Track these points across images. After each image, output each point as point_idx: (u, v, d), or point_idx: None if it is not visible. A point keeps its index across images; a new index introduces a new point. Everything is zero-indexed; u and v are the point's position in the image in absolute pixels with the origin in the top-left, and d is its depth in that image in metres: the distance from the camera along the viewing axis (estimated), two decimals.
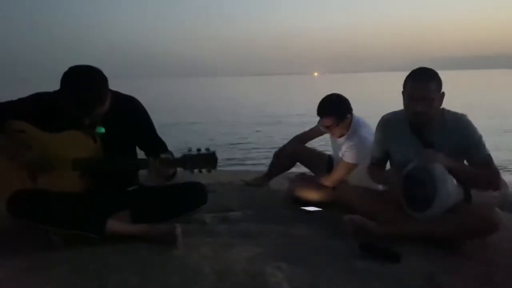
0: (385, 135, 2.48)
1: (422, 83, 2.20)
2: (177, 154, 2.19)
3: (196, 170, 2.08)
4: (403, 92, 2.29)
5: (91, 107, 2.07)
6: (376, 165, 2.56)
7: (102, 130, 2.21)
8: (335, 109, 2.93)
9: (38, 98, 2.25)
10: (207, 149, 2.07)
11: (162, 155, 2.12)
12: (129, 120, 2.33)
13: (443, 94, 2.25)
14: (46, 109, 2.19)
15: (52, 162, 2.14)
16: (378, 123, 2.54)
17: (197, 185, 2.50)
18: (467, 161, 2.27)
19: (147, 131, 2.43)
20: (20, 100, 2.24)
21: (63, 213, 2.08)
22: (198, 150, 2.06)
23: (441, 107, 2.29)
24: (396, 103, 2.51)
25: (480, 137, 2.24)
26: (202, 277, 1.84)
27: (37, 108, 2.20)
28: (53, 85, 2.22)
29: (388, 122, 2.48)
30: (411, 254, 2.05)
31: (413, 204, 2.25)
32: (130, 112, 2.36)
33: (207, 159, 2.06)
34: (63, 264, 1.94)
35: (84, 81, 2.06)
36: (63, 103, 2.08)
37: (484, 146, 2.24)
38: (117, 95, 2.29)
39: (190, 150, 2.06)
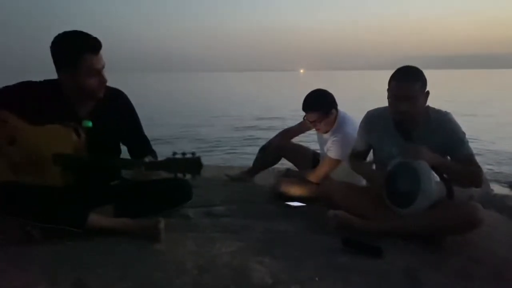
0: (368, 131, 2.50)
1: (406, 83, 2.21)
2: (162, 156, 2.13)
3: (180, 174, 2.01)
4: (388, 90, 2.30)
5: (99, 42, 2.08)
6: (356, 156, 2.58)
7: (89, 124, 2.17)
8: (320, 104, 2.94)
9: (25, 87, 2.19)
10: (193, 154, 1.99)
11: (147, 159, 2.09)
12: (116, 114, 2.29)
13: (427, 93, 2.26)
14: (33, 99, 2.14)
15: (33, 155, 2.09)
16: (362, 119, 2.55)
17: (182, 181, 2.47)
18: (450, 158, 2.29)
19: (133, 127, 2.40)
20: (6, 88, 2.17)
21: (44, 207, 2.04)
22: (183, 154, 1.99)
23: (426, 104, 2.31)
24: (381, 101, 2.52)
25: (463, 135, 2.26)
26: (184, 271, 1.82)
27: (23, 98, 2.14)
28: (42, 76, 2.18)
29: (372, 118, 2.49)
30: (393, 249, 2.07)
31: (396, 200, 2.27)
32: (116, 105, 2.32)
33: (192, 164, 1.98)
34: (42, 259, 1.91)
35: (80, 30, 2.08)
36: (72, 54, 2.05)
37: (467, 144, 2.26)
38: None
39: (175, 153, 2.00)
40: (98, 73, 2.11)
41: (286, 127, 3.58)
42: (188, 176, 2.00)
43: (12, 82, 2.22)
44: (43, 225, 2.04)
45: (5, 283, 1.72)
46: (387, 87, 2.30)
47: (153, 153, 2.24)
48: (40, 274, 1.78)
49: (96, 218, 2.12)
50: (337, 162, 2.90)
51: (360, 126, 2.56)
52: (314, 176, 2.97)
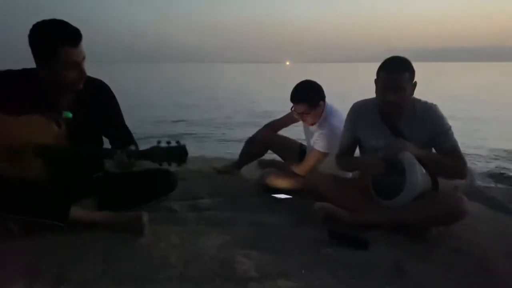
0: (355, 123, 2.49)
1: (394, 73, 2.21)
2: (145, 145, 2.09)
3: (165, 163, 1.99)
4: (376, 80, 2.29)
5: (79, 34, 2.00)
6: (344, 153, 2.57)
7: (69, 114, 2.12)
8: (308, 96, 2.92)
9: (1, 77, 2.12)
10: (177, 142, 1.96)
11: (131, 148, 2.05)
12: (97, 105, 2.24)
13: (415, 83, 2.27)
14: (10, 90, 2.08)
15: (12, 147, 2.03)
16: (349, 111, 2.54)
17: (165, 172, 2.43)
18: (436, 149, 2.31)
19: (115, 117, 2.35)
20: None
21: (24, 200, 2.00)
22: (168, 142, 1.95)
23: (412, 96, 2.31)
24: (367, 94, 2.52)
25: (448, 127, 2.28)
26: (169, 265, 1.80)
27: (0, 88, 2.08)
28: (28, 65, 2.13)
29: (358, 110, 2.49)
30: (379, 241, 2.08)
31: (382, 192, 2.27)
32: (98, 96, 2.27)
33: (177, 153, 1.95)
34: (23, 254, 1.87)
35: (60, 19, 2.00)
36: (47, 50, 1.97)
37: (452, 135, 2.28)
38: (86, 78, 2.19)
39: (159, 142, 1.96)
40: (77, 65, 2.04)
41: (272, 119, 3.55)
42: (173, 165, 1.97)
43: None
44: (24, 219, 1.99)
45: None
46: (373, 79, 2.30)
47: (135, 144, 2.20)
48: (21, 269, 1.73)
49: (78, 212, 2.08)
50: (324, 155, 2.88)
51: (346, 118, 2.56)
52: (301, 169, 2.96)
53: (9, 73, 2.14)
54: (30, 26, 1.96)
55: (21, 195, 1.99)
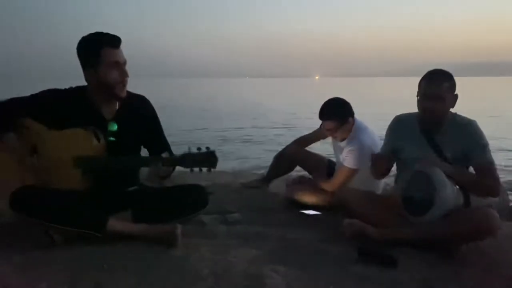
0: (395, 133, 2.53)
1: (434, 82, 2.27)
2: (177, 153, 2.19)
3: (196, 169, 2.09)
4: (418, 91, 2.34)
5: (119, 38, 2.18)
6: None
7: (115, 126, 2.25)
8: (337, 112, 2.94)
9: (50, 94, 2.27)
10: (207, 148, 2.08)
11: (164, 155, 2.14)
12: (139, 119, 2.36)
13: (456, 96, 2.30)
14: (58, 106, 2.22)
15: (54, 160, 2.15)
16: (391, 122, 2.59)
17: (198, 187, 2.50)
18: (471, 165, 2.30)
19: (155, 131, 2.46)
20: (31, 96, 2.26)
21: (65, 211, 2.09)
22: (198, 149, 2.08)
23: (453, 111, 2.34)
24: (399, 108, 2.53)
25: (485, 143, 2.27)
26: (200, 278, 1.84)
27: (48, 105, 2.22)
28: (53, 84, 2.25)
29: (400, 120, 2.55)
30: (408, 259, 2.06)
31: (412, 209, 2.26)
32: (140, 110, 2.39)
33: (207, 158, 2.08)
34: (61, 262, 1.95)
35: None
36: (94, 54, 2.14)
37: (488, 152, 2.27)
38: (127, 93, 2.31)
39: (190, 149, 2.08)
40: (119, 66, 2.19)
41: (301, 135, 3.59)
42: (204, 170, 2.07)
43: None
44: (64, 228, 2.09)
45: (26, 287, 1.76)
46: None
47: (171, 155, 2.29)
48: (58, 278, 1.81)
49: (115, 223, 2.16)
50: (353, 171, 2.88)
51: (387, 129, 2.59)
52: (330, 185, 2.96)
53: (56, 91, 2.29)
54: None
55: (62, 206, 2.09)
